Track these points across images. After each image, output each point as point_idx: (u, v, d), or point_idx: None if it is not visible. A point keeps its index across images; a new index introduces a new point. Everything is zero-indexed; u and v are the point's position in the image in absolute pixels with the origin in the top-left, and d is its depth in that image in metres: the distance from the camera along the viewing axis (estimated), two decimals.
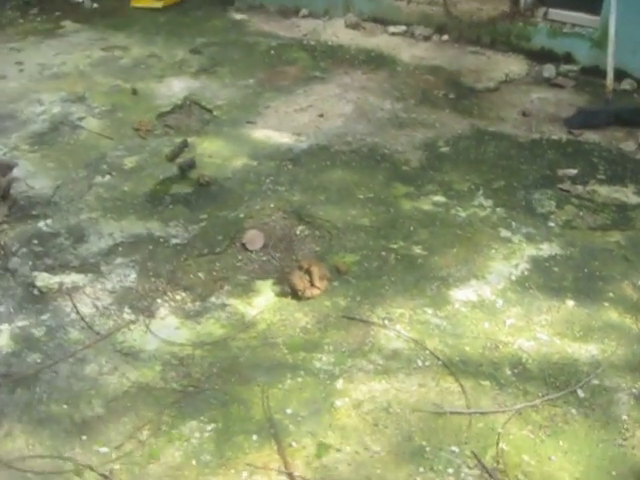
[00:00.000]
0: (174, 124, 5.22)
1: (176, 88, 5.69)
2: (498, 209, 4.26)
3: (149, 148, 4.89)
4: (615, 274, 3.76)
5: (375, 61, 6.11)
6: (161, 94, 5.61)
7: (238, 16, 7.30)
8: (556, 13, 5.86)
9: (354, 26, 6.82)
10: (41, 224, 4.10)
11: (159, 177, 4.57)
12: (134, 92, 5.62)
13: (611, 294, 3.63)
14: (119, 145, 4.92)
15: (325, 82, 5.80)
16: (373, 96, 5.53)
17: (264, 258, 3.87)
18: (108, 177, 4.56)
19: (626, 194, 4.42)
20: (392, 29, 6.67)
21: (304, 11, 7.27)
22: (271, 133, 5.05)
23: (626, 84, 5.60)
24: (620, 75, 5.53)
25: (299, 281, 3.56)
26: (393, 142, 4.92)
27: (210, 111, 5.36)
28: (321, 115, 5.27)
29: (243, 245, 3.94)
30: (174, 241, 3.99)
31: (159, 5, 7.40)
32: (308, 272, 3.60)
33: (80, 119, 5.22)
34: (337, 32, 6.72)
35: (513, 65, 5.94)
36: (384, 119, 5.23)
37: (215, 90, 5.67)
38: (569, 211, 4.25)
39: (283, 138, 4.98)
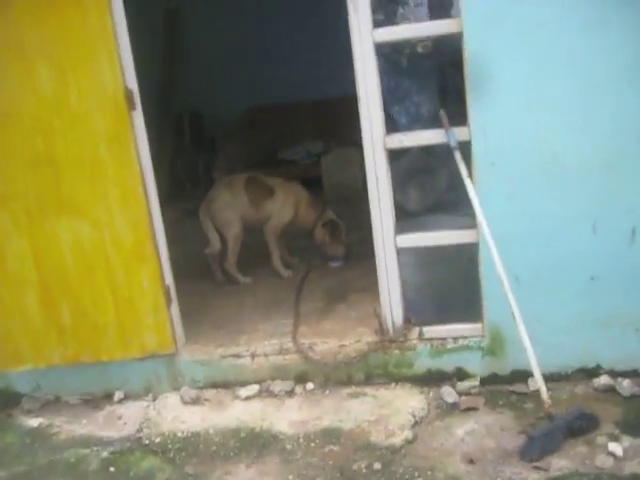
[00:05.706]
0: None
1: None
2: None
3: None
4: None
5: (252, 444, 4.87)
6: None
7: (33, 421, 5.63)
8: (431, 330, 5.28)
9: (194, 401, 5.60)
10: None
11: None
12: None
13: None
14: None
15: None
16: None
17: None
18: None
19: None
20: (243, 392, 5.56)
21: (118, 394, 5.91)
22: None
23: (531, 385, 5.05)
24: (522, 376, 5.01)
25: None
26: None
27: None
28: None
29: None
30: None
31: None
32: None
33: None
34: (179, 415, 5.43)
35: (409, 400, 5.11)
36: None
37: None
38: None
39: None
